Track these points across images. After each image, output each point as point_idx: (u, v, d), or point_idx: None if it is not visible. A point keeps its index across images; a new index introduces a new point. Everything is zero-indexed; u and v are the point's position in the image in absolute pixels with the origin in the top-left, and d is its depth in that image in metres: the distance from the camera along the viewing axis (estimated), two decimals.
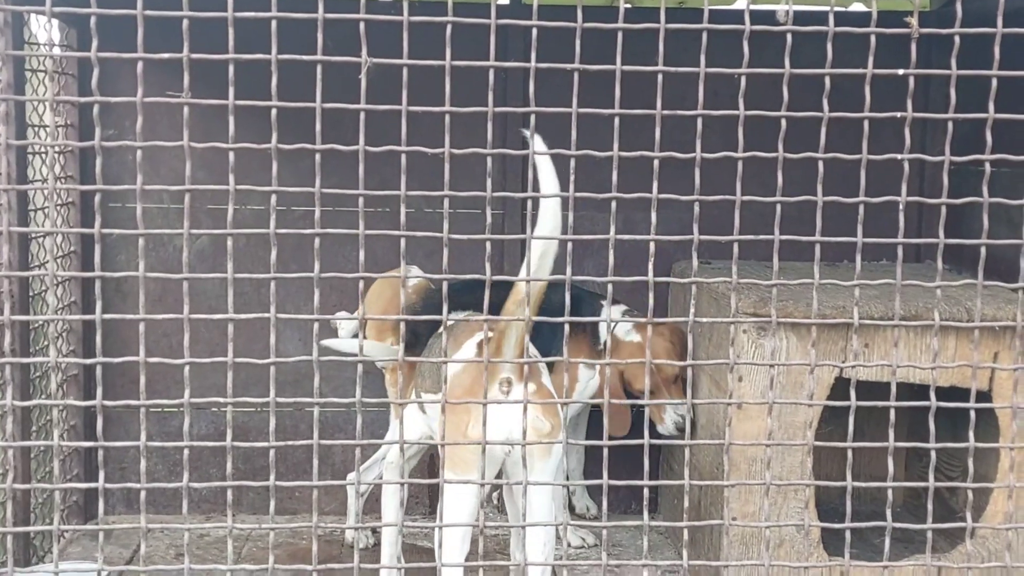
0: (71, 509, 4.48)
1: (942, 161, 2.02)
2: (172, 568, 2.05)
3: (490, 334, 3.00)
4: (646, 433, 2.03)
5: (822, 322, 2.59)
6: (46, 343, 4.14)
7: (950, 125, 1.99)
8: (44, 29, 4.20)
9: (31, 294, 3.98)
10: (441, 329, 3.32)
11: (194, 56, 1.89)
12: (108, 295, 4.47)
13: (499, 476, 3.24)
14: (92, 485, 1.98)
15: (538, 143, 2.56)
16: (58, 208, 4.30)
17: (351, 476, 4.06)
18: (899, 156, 1.98)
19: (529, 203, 1.98)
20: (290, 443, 2.06)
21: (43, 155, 4.15)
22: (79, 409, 4.41)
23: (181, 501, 2.03)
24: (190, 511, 2.02)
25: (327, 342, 3.79)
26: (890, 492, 2.06)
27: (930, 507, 2.10)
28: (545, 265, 2.77)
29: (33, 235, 3.97)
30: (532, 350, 3.12)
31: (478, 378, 2.99)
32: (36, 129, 4.14)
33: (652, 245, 1.98)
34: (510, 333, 2.89)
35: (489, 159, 1.94)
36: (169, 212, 4.56)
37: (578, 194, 1.94)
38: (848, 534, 2.09)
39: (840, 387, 3.22)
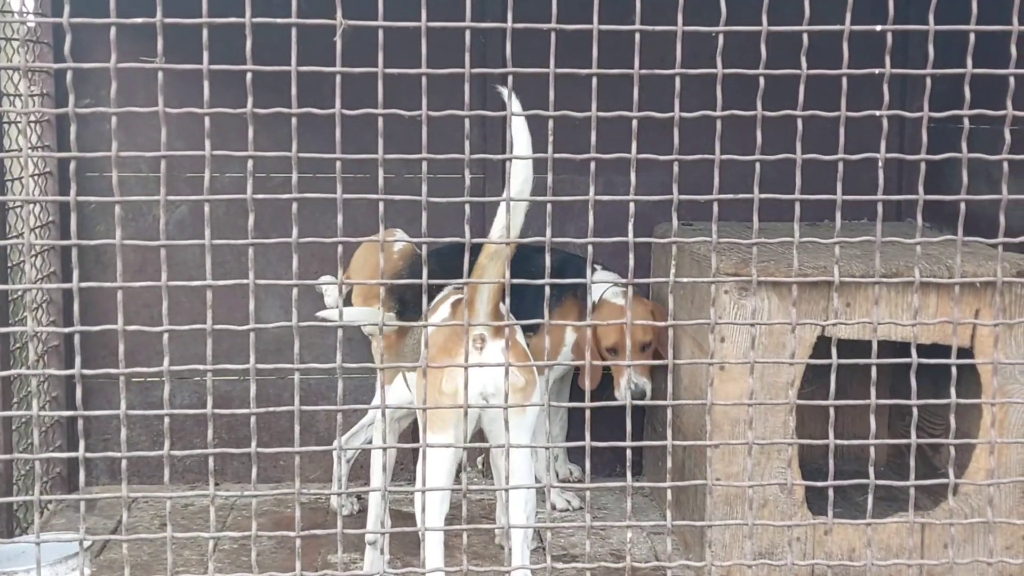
0: (54, 480, 4.47)
1: (921, 118, 2.02)
2: (155, 537, 2.05)
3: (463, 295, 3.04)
4: (627, 396, 2.03)
5: (803, 280, 2.59)
6: (25, 314, 4.12)
7: (928, 81, 1.98)
8: None
9: (9, 265, 3.95)
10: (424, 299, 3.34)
11: (167, 20, 1.86)
12: (87, 266, 4.44)
13: (480, 438, 3.25)
14: (73, 455, 1.98)
15: (514, 103, 2.58)
16: (35, 178, 4.26)
17: (336, 442, 4.06)
18: (878, 113, 1.97)
19: (508, 165, 1.97)
20: (272, 410, 2.06)
21: (18, 124, 4.11)
22: (61, 380, 4.40)
23: (164, 471, 2.03)
24: (173, 481, 2.02)
25: (322, 314, 3.76)
26: (872, 450, 2.07)
27: (912, 464, 2.10)
28: (516, 222, 2.79)
29: (10, 205, 3.94)
30: (502, 309, 3.11)
31: (451, 335, 3.01)
32: (11, 98, 4.10)
33: (632, 206, 1.98)
34: (483, 289, 2.91)
35: (467, 121, 1.93)
36: (148, 180, 4.52)
37: (557, 155, 1.94)
38: (831, 492, 2.09)
39: (822, 346, 3.23)
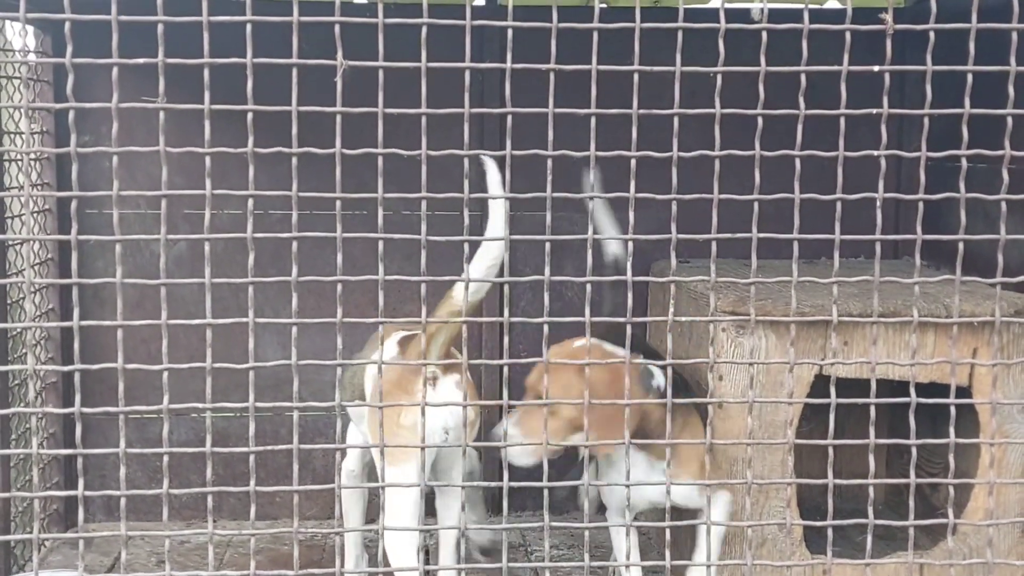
0: (51, 517, 4.45)
1: (919, 157, 2.03)
2: (153, 575, 2.04)
3: (410, 332, 3.13)
4: (626, 433, 2.03)
5: (801, 320, 2.59)
6: (24, 351, 4.11)
7: (926, 121, 2.00)
8: (19, 35, 4.17)
9: (8, 302, 3.95)
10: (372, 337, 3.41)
11: (169, 60, 1.88)
12: (86, 302, 4.44)
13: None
14: (72, 493, 1.97)
15: (493, 180, 2.74)
16: (34, 215, 4.27)
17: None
18: (876, 152, 1.98)
19: (506, 203, 1.98)
20: (270, 448, 2.06)
21: (19, 162, 4.12)
22: (58, 417, 4.38)
23: (161, 508, 2.02)
24: (171, 518, 2.01)
25: None
26: (871, 489, 2.07)
27: (911, 504, 2.10)
28: (490, 275, 2.86)
29: (10, 243, 3.94)
30: (453, 351, 3.16)
31: (403, 372, 2.98)
32: (12, 136, 4.12)
33: (631, 244, 1.98)
34: (439, 337, 2.90)
35: (466, 160, 1.94)
36: (146, 218, 4.53)
37: (556, 194, 1.95)
38: (830, 532, 2.09)
39: (820, 385, 3.23)
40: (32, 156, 4.12)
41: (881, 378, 3.07)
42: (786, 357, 3.06)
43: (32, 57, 4.21)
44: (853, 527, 2.13)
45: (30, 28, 4.18)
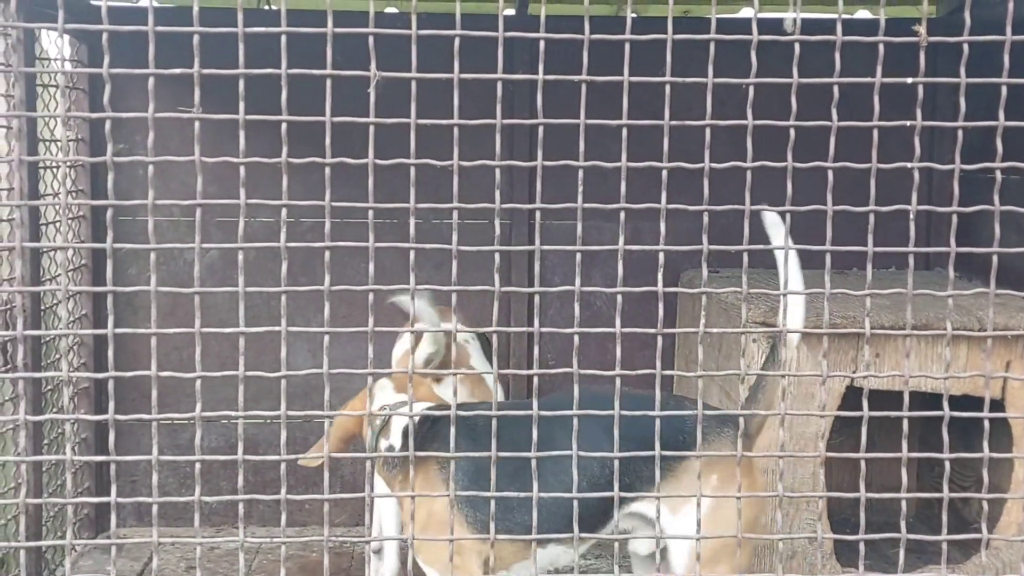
0: (82, 522, 4.48)
1: (951, 170, 2.02)
2: None
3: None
4: (656, 444, 2.02)
5: (833, 332, 2.58)
6: (58, 357, 4.15)
7: (960, 133, 1.99)
8: (55, 45, 4.21)
9: (42, 308, 3.99)
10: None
11: (204, 71, 1.89)
12: (119, 309, 4.47)
13: None
14: (104, 499, 1.99)
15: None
16: (69, 223, 4.31)
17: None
18: (909, 164, 1.97)
19: (537, 214, 1.98)
20: (301, 457, 2.07)
21: (54, 170, 4.16)
22: (90, 423, 4.42)
23: (192, 514, 2.03)
24: (200, 524, 2.02)
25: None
26: (903, 503, 2.05)
27: (944, 518, 2.09)
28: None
29: (44, 250, 3.98)
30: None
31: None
32: (47, 144, 4.16)
33: (661, 255, 1.98)
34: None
35: (497, 171, 1.95)
36: (180, 225, 4.57)
37: (586, 205, 1.95)
38: (862, 546, 2.08)
39: (850, 397, 3.21)
40: (68, 164, 4.16)
41: (912, 391, 3.05)
42: (817, 368, 3.05)
43: (68, 66, 4.25)
44: (883, 541, 2.11)
45: (66, 37, 4.22)
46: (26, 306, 3.44)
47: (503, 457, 2.00)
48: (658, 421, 2.02)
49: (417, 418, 2.77)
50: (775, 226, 2.47)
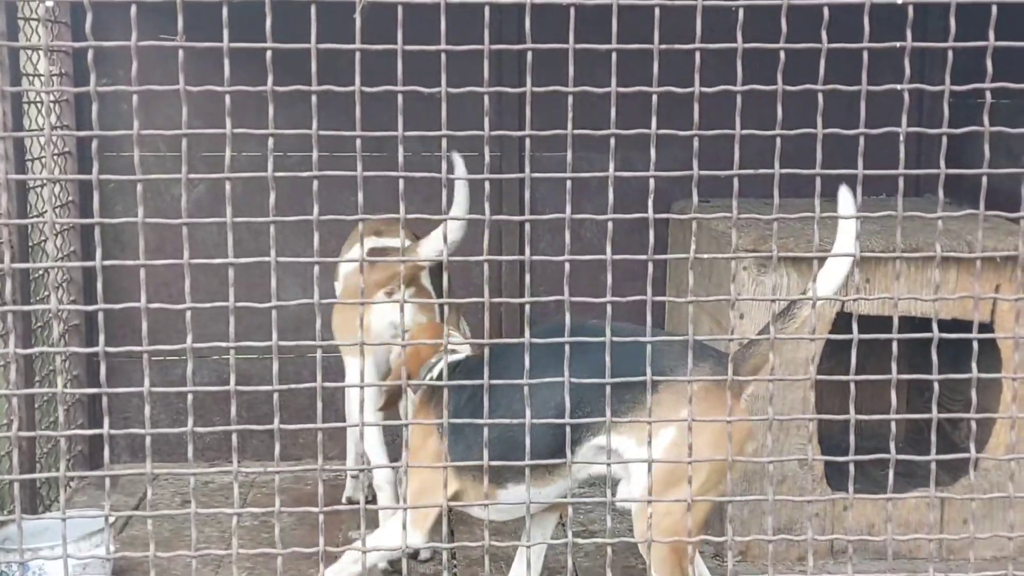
0: (76, 458, 4.50)
1: (941, 92, 2.00)
2: (178, 513, 2.06)
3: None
4: (648, 371, 2.03)
5: (822, 255, 2.58)
6: (47, 293, 4.13)
7: (950, 54, 1.97)
8: None
9: (30, 244, 3.97)
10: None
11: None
12: (107, 245, 4.43)
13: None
14: (97, 432, 1.99)
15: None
16: (55, 158, 4.27)
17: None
18: (899, 87, 1.96)
19: (527, 141, 1.96)
20: (293, 387, 2.07)
21: (38, 104, 4.12)
22: (81, 358, 4.42)
23: (185, 448, 2.04)
24: (194, 459, 2.03)
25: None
26: (893, 425, 2.07)
27: (933, 439, 2.10)
28: (451, 249, 3.27)
29: (31, 184, 3.95)
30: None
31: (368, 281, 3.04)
32: (31, 78, 4.11)
33: (652, 182, 1.97)
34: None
35: (486, 98, 1.93)
36: (165, 160, 4.54)
37: (576, 131, 1.93)
38: (851, 468, 2.09)
39: (841, 323, 3.22)
40: (52, 97, 4.11)
41: (902, 315, 3.06)
42: (808, 294, 3.06)
43: None
44: (874, 463, 2.13)
45: None
46: (13, 241, 3.43)
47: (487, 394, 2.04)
48: (650, 348, 2.03)
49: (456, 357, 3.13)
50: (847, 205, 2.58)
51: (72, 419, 4.46)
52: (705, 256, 1.95)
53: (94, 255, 1.92)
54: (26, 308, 2.07)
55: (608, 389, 2.02)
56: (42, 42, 4.00)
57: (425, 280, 3.69)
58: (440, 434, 2.87)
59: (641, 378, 2.03)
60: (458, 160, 3.23)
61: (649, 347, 2.03)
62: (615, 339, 1.99)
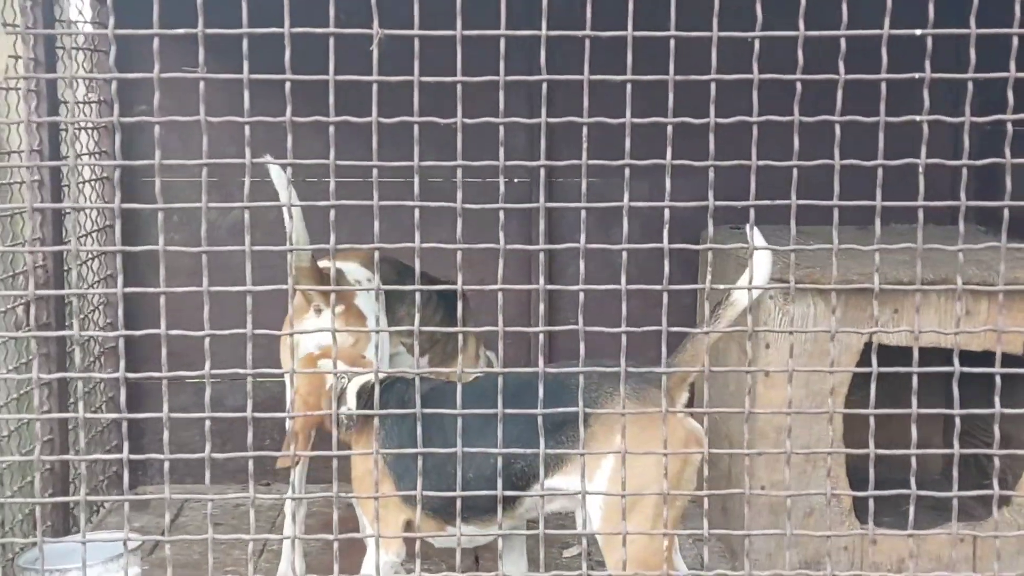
0: (110, 479, 4.54)
1: (980, 122, 1.99)
2: (196, 538, 2.08)
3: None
4: (664, 404, 2.02)
5: (842, 287, 2.56)
6: (82, 317, 4.18)
7: (970, 85, 1.96)
8: (75, 7, 4.22)
9: (66, 268, 4.02)
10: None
11: (208, 31, 1.89)
12: (142, 269, 4.49)
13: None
14: (116, 456, 2.01)
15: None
16: (91, 183, 4.33)
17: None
18: (918, 118, 1.95)
19: (542, 171, 1.97)
20: (310, 414, 2.09)
21: (77, 132, 4.18)
22: (116, 381, 4.46)
23: (219, 470, 2.07)
24: (226, 480, 2.06)
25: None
26: (914, 459, 2.05)
27: (955, 475, 2.08)
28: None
29: (67, 211, 4.00)
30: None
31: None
32: (69, 106, 4.17)
33: (667, 212, 1.98)
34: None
35: (501, 128, 1.94)
36: (199, 186, 4.58)
37: (591, 162, 1.94)
38: (871, 503, 2.07)
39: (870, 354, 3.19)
40: (76, 126, 4.16)
41: (937, 347, 3.01)
42: (834, 325, 3.04)
43: (86, 28, 4.26)
44: (906, 497, 2.10)
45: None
46: (49, 266, 3.48)
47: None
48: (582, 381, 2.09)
49: (370, 383, 2.99)
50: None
51: (107, 440, 4.50)
52: (720, 287, 1.94)
53: (134, 280, 1.95)
54: (47, 334, 2.11)
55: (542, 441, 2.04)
56: (79, 71, 4.07)
57: (363, 301, 3.54)
58: (381, 461, 2.90)
59: (572, 409, 2.07)
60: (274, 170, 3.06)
61: (581, 380, 2.10)
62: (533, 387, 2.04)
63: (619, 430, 2.08)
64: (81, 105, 4.18)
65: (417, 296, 2.05)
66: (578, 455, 2.62)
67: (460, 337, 3.58)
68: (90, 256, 4.27)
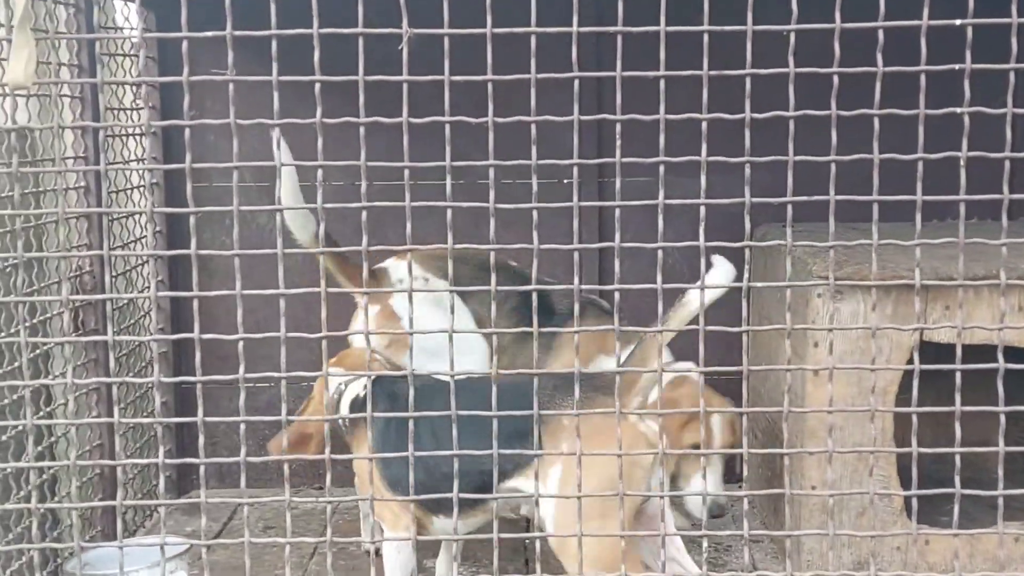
0: (164, 483, 4.56)
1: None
2: (231, 542, 2.08)
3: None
4: (701, 403, 2.00)
5: (881, 283, 2.51)
6: (132, 322, 4.21)
7: (1012, 76, 1.91)
8: (121, 14, 4.26)
9: (113, 274, 4.05)
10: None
11: (237, 33, 1.89)
12: (198, 274, 4.51)
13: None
14: (151, 461, 2.02)
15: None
16: (140, 189, 4.37)
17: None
18: (959, 110, 1.90)
19: (575, 170, 1.95)
20: (339, 416, 2.08)
21: (123, 138, 4.21)
22: (169, 386, 4.49)
23: (271, 474, 2.07)
24: (278, 484, 2.06)
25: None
26: (957, 458, 2.01)
27: (1000, 474, 2.04)
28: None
29: (114, 216, 4.04)
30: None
31: None
32: (115, 113, 4.21)
33: (703, 209, 1.95)
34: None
35: (533, 127, 1.92)
36: (250, 190, 4.60)
37: (624, 160, 1.92)
38: (915, 502, 2.04)
39: (929, 349, 3.13)
40: (114, 133, 4.18)
41: (993, 344, 2.92)
42: (884, 322, 2.99)
43: (134, 33, 4.29)
44: (965, 496, 2.07)
45: (133, 4, 4.26)
46: (95, 271, 3.50)
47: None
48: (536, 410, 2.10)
49: (365, 389, 2.96)
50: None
51: (162, 444, 4.53)
52: (759, 284, 1.91)
53: (184, 284, 1.97)
54: (82, 339, 2.12)
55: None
56: (126, 77, 4.11)
57: (398, 300, 3.42)
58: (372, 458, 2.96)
59: (527, 412, 2.05)
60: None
61: (536, 384, 2.11)
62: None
63: (565, 437, 2.09)
64: (128, 111, 4.21)
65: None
66: (534, 461, 2.62)
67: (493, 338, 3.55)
68: (140, 262, 4.30)
